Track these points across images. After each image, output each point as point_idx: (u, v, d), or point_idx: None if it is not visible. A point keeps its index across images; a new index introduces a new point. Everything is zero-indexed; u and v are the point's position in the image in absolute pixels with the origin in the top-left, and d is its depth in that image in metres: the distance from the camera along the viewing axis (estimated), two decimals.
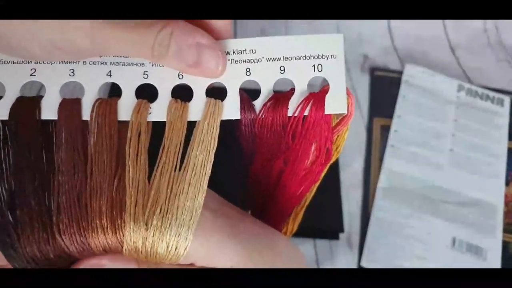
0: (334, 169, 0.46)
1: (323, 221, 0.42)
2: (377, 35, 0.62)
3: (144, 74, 0.20)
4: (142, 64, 0.19)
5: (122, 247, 0.18)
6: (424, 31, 0.63)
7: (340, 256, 0.42)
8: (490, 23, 0.66)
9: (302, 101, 0.19)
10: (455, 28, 0.65)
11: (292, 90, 0.19)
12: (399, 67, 0.58)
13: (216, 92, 0.20)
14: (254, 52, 0.19)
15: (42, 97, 0.20)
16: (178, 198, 0.19)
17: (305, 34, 0.19)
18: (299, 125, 0.19)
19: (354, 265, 0.41)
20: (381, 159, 0.48)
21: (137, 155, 0.19)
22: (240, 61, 0.19)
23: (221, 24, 0.20)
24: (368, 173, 0.47)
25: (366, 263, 0.41)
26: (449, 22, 0.65)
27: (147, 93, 0.20)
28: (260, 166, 0.21)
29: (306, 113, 0.19)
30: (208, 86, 0.20)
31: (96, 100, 0.20)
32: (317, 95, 0.19)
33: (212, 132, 0.19)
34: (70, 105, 0.20)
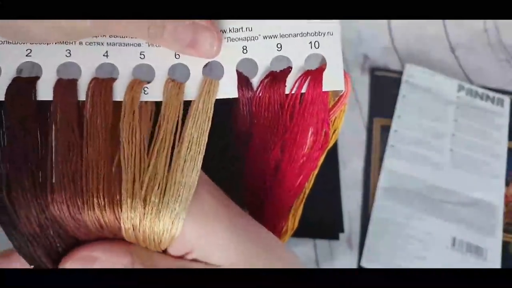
0: (334, 169, 0.46)
1: (323, 221, 0.42)
2: (377, 35, 0.62)
3: (140, 54, 0.20)
4: (139, 45, 0.20)
5: (120, 224, 0.18)
6: (424, 31, 0.63)
7: (340, 256, 0.42)
8: (490, 23, 0.66)
9: (299, 77, 0.19)
10: (455, 28, 0.65)
11: (290, 68, 0.19)
12: (399, 67, 0.58)
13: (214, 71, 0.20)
14: (250, 30, 0.19)
15: (38, 78, 0.20)
16: (175, 174, 0.19)
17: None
18: (297, 103, 0.19)
19: (354, 265, 0.41)
20: (381, 159, 0.48)
21: (132, 132, 0.19)
22: (237, 39, 0.19)
23: None
24: (368, 173, 0.47)
25: (366, 263, 0.41)
26: (449, 22, 0.65)
27: (144, 73, 0.20)
28: (255, 156, 0.21)
29: (303, 90, 0.19)
30: (205, 65, 0.20)
31: (92, 80, 0.20)
32: (315, 72, 0.18)
33: (207, 110, 0.19)
34: (65, 85, 0.19)
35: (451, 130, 0.51)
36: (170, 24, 0.18)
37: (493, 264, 0.42)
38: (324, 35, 0.18)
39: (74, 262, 0.19)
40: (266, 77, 0.19)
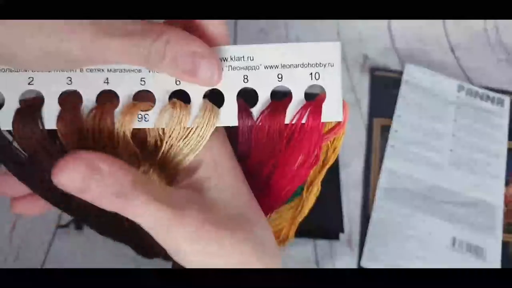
0: (334, 169, 0.46)
1: (323, 221, 0.42)
2: (377, 35, 0.62)
3: (141, 80, 0.20)
4: (139, 71, 0.20)
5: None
6: (424, 31, 0.63)
7: (340, 256, 0.42)
8: (490, 23, 0.66)
9: (300, 110, 0.19)
10: (455, 28, 0.65)
11: (290, 98, 0.19)
12: (399, 67, 0.58)
13: (215, 97, 0.20)
14: (252, 59, 0.19)
15: (41, 105, 0.20)
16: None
17: (304, 39, 0.19)
18: (296, 132, 0.19)
19: (354, 265, 0.41)
20: (381, 159, 0.48)
21: (129, 158, 0.19)
22: (238, 68, 0.19)
23: (218, 30, 0.20)
24: (368, 173, 0.47)
25: (366, 263, 0.41)
26: (449, 22, 0.65)
27: (145, 99, 0.20)
28: (251, 170, 0.21)
29: (303, 121, 0.19)
30: (206, 92, 0.20)
31: (93, 108, 0.20)
32: (314, 104, 0.19)
33: (205, 138, 0.19)
34: (69, 113, 0.20)
35: (451, 130, 0.51)
36: (170, 51, 0.18)
37: (493, 264, 0.42)
38: (325, 66, 0.18)
39: (75, 162, 0.17)
40: (267, 108, 0.19)
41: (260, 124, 0.19)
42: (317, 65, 0.19)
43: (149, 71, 0.19)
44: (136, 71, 0.19)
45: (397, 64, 0.59)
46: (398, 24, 0.63)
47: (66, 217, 0.40)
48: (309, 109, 0.19)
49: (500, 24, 0.66)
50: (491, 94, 0.55)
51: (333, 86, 0.19)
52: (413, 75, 0.56)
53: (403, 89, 0.55)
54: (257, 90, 0.19)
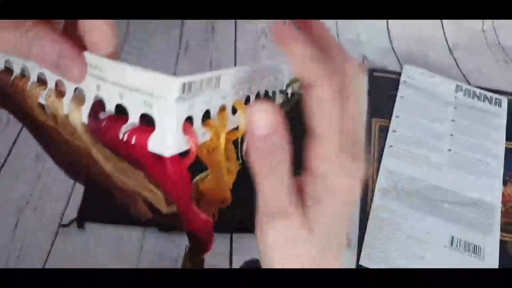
0: None
1: None
2: (376, 36, 0.63)
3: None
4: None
5: None
6: (423, 32, 0.64)
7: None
8: (488, 23, 0.66)
9: (128, 130, 0.19)
10: (453, 29, 0.65)
11: (127, 117, 0.20)
12: (398, 68, 0.58)
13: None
14: (102, 71, 0.20)
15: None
16: None
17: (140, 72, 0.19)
18: (128, 149, 0.20)
19: (353, 265, 0.41)
20: (379, 159, 0.49)
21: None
22: (93, 76, 0.20)
23: (101, 35, 0.21)
24: (367, 173, 0.48)
25: (365, 263, 0.41)
26: (447, 23, 0.66)
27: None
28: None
29: (132, 142, 0.19)
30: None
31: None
32: (143, 132, 0.19)
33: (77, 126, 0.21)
34: None
35: (449, 130, 0.52)
36: (38, 42, 0.19)
37: (491, 263, 0.43)
38: (158, 98, 0.18)
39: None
40: (107, 118, 0.20)
41: (102, 129, 0.20)
42: (151, 95, 0.18)
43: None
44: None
45: (395, 65, 0.59)
46: (396, 26, 0.64)
47: (68, 217, 0.40)
48: (135, 136, 0.19)
49: (498, 25, 0.66)
50: (489, 94, 0.56)
51: (162, 120, 0.19)
52: (412, 76, 0.56)
53: (402, 90, 0.55)
54: (104, 100, 0.20)
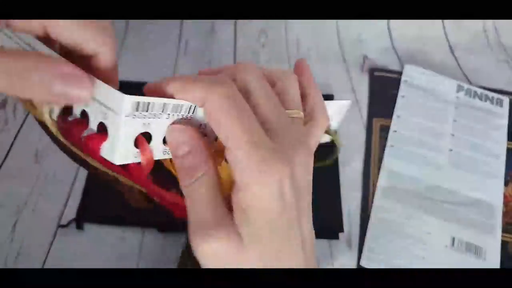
0: (334, 169, 0.46)
1: (323, 221, 0.42)
2: (377, 36, 0.62)
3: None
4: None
5: None
6: (424, 32, 0.64)
7: (339, 256, 0.42)
8: (489, 23, 0.66)
9: (86, 136, 0.21)
10: (455, 28, 0.65)
11: (84, 121, 0.21)
12: (399, 67, 0.58)
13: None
14: None
15: None
16: None
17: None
18: (87, 151, 0.21)
19: (353, 265, 0.41)
20: (380, 159, 0.48)
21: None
22: None
23: (105, 64, 0.22)
24: (368, 173, 0.47)
25: (366, 263, 0.41)
26: (448, 23, 0.65)
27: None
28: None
29: (89, 146, 0.21)
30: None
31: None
32: (99, 137, 0.21)
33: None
34: None
35: (450, 130, 0.52)
36: (37, 76, 0.18)
37: (492, 263, 0.43)
38: (110, 110, 0.20)
39: None
40: (73, 120, 0.22)
41: (68, 130, 0.22)
42: (106, 107, 0.20)
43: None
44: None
45: (396, 64, 0.59)
46: (397, 25, 0.64)
47: (67, 217, 0.40)
48: (90, 142, 0.21)
49: (499, 24, 0.66)
50: (490, 94, 0.55)
51: (113, 131, 0.20)
52: (413, 75, 0.56)
53: (403, 89, 0.55)
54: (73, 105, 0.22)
